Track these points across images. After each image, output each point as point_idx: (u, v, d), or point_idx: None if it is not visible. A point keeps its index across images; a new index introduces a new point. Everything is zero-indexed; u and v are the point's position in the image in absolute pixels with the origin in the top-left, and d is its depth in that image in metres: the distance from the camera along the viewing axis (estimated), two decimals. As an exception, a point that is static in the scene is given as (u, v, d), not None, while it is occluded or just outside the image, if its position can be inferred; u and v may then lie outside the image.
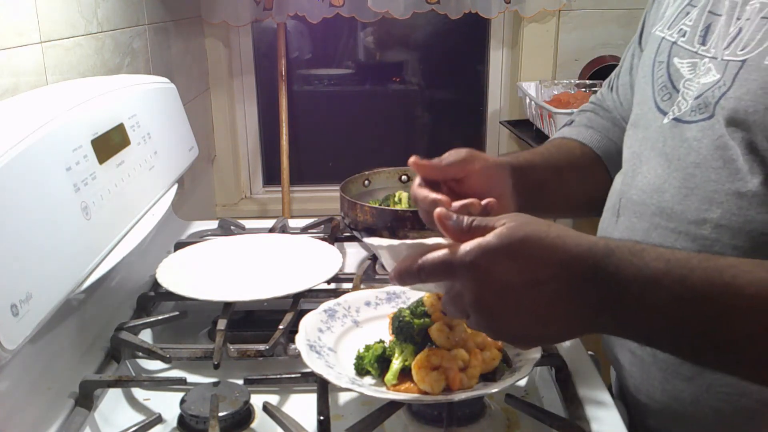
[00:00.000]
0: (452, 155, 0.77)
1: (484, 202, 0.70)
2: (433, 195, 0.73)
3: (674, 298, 0.53)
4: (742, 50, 0.66)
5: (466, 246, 0.55)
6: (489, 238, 0.55)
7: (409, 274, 0.59)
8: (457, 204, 0.71)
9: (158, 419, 0.72)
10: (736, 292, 0.52)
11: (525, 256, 0.54)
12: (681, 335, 0.55)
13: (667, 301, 0.53)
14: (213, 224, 1.28)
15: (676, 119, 0.71)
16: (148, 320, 0.91)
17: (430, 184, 0.75)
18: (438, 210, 0.59)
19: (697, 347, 0.55)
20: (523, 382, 0.79)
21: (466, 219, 0.58)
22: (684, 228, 0.68)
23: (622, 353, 0.78)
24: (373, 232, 1.08)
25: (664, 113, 0.73)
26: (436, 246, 0.58)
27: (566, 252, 0.55)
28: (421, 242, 0.58)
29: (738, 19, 0.68)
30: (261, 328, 0.87)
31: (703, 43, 0.71)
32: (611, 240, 0.57)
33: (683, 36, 0.74)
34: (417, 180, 0.76)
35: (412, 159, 0.75)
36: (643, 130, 0.77)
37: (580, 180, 0.91)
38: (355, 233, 1.14)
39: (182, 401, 0.72)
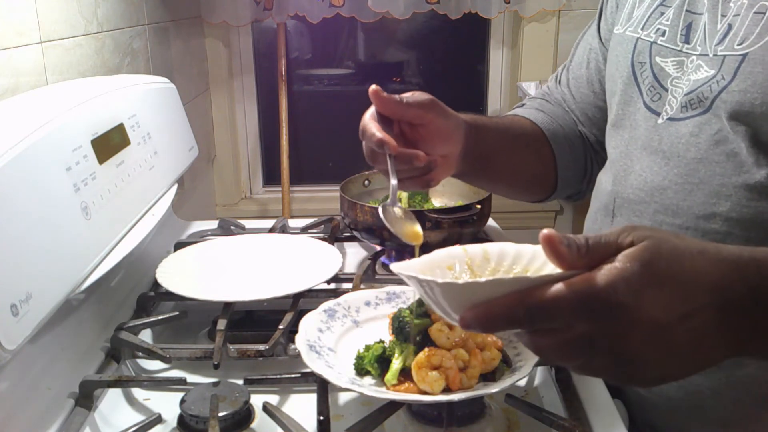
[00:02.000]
0: (415, 96, 0.75)
1: (430, 158, 0.70)
2: (382, 134, 0.70)
3: None
4: (740, 45, 0.66)
5: (602, 278, 0.43)
6: (626, 264, 0.44)
7: (508, 320, 0.45)
8: (403, 150, 0.69)
9: (158, 419, 0.72)
10: None
11: (674, 284, 0.44)
12: None
13: None
14: (213, 224, 1.28)
15: (670, 119, 0.72)
16: (148, 320, 0.91)
17: (384, 120, 0.72)
18: (546, 231, 0.45)
19: None
20: (523, 382, 0.79)
21: (580, 240, 0.45)
22: (692, 223, 0.68)
23: None
24: (372, 232, 1.08)
25: (657, 113, 0.74)
26: (546, 279, 0.45)
27: (716, 272, 0.46)
28: (523, 276, 0.46)
29: (723, 15, 0.69)
30: (261, 328, 0.87)
31: (687, 41, 0.72)
32: (752, 249, 0.49)
33: (662, 35, 0.75)
34: (370, 110, 0.73)
35: (373, 87, 0.72)
36: (630, 130, 0.78)
37: (527, 154, 0.91)
38: (355, 233, 1.14)
39: (182, 401, 0.72)
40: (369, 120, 0.72)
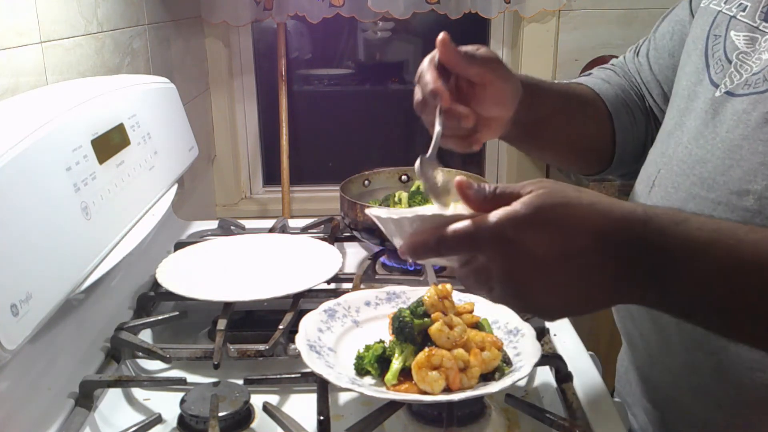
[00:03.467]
0: (481, 52, 0.73)
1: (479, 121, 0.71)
2: (438, 84, 0.69)
3: (722, 269, 0.51)
4: None
5: (492, 217, 0.51)
6: (516, 207, 0.51)
7: (425, 249, 0.55)
8: (454, 107, 0.69)
9: (158, 419, 0.72)
10: None
11: (555, 226, 0.51)
12: (726, 309, 0.52)
13: (714, 272, 0.51)
14: (213, 224, 1.28)
15: (728, 92, 0.70)
16: (148, 320, 0.91)
17: (442, 70, 0.71)
18: (458, 178, 0.54)
19: (741, 321, 0.53)
20: (523, 382, 0.79)
21: (488, 187, 0.54)
22: (725, 199, 0.66)
23: (640, 322, 0.77)
24: (372, 232, 1.08)
25: (716, 86, 0.72)
26: (456, 217, 0.53)
27: (600, 220, 0.52)
28: (438, 214, 0.55)
29: None
30: (261, 328, 0.87)
31: (766, 19, 0.70)
32: (649, 207, 0.54)
33: (743, 10, 0.73)
34: (431, 55, 0.72)
35: (443, 35, 0.70)
36: (687, 101, 0.76)
37: (584, 124, 0.89)
38: (355, 233, 1.14)
39: (182, 401, 0.72)
40: (428, 66, 0.71)
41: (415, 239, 0.55)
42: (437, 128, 0.69)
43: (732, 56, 0.72)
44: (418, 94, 0.73)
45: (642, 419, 0.83)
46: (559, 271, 0.52)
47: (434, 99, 0.70)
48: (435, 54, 0.71)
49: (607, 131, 0.89)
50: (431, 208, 0.59)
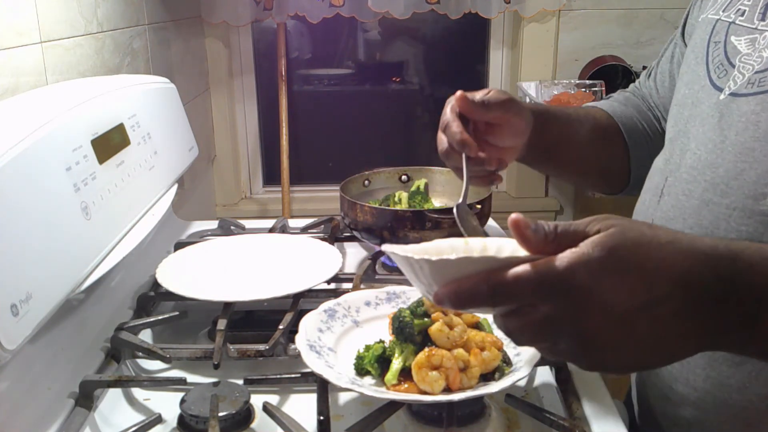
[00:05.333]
0: (496, 97, 0.77)
1: (499, 163, 0.73)
2: (465, 136, 0.72)
3: None
4: None
5: (561, 260, 0.45)
6: (588, 249, 0.45)
7: (473, 297, 0.47)
8: (481, 154, 0.72)
9: (158, 419, 0.72)
10: None
11: (635, 271, 0.45)
12: None
13: None
14: (213, 224, 1.28)
15: (732, 94, 0.69)
16: (148, 320, 0.91)
17: (461, 117, 0.75)
18: (513, 216, 0.47)
19: None
20: (523, 382, 0.79)
21: (548, 226, 0.47)
22: (740, 203, 0.65)
23: None
24: (372, 232, 1.08)
25: (720, 89, 0.71)
26: (513, 261, 0.46)
27: (683, 261, 0.46)
28: (490, 257, 0.48)
29: None
30: (261, 328, 0.87)
31: (763, 19, 0.70)
32: (731, 242, 0.49)
33: (741, 15, 0.73)
34: (451, 106, 0.75)
35: (460, 93, 0.75)
36: (691, 108, 0.75)
37: (597, 147, 0.90)
38: (355, 233, 1.14)
39: (182, 401, 0.72)
40: (452, 117, 0.74)
41: (460, 286, 0.47)
42: (465, 176, 0.73)
43: (735, 60, 0.71)
44: (443, 143, 0.76)
45: None
46: (640, 323, 0.45)
47: (462, 147, 0.74)
48: (453, 102, 0.75)
49: (622, 151, 0.91)
50: (450, 244, 0.54)
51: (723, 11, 0.76)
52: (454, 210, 0.75)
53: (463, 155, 0.75)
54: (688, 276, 0.46)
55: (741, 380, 0.67)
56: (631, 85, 1.01)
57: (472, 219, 0.76)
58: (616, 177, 0.94)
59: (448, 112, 0.76)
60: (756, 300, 0.46)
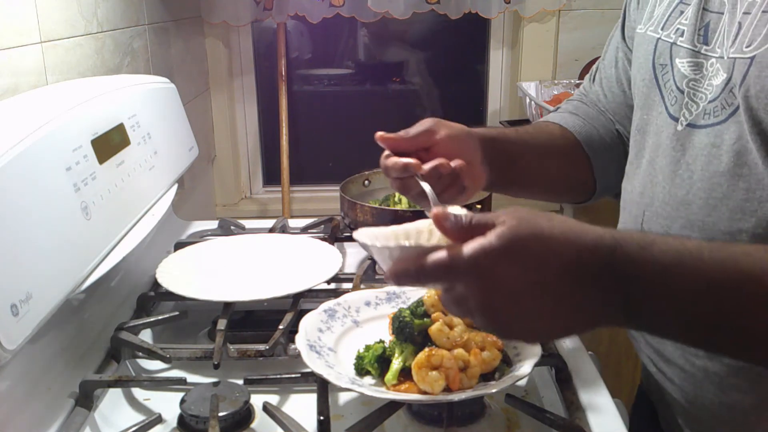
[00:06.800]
0: (418, 126, 0.78)
1: (453, 163, 0.72)
2: (403, 159, 0.74)
3: (687, 290, 0.52)
4: (748, 47, 0.63)
5: (467, 249, 0.53)
6: (490, 238, 0.52)
7: (406, 277, 0.57)
8: (427, 166, 0.72)
9: (158, 419, 0.72)
10: (756, 282, 0.51)
11: (528, 258, 0.52)
12: (694, 327, 0.54)
13: (679, 293, 0.52)
14: (213, 224, 1.28)
15: (690, 125, 0.69)
16: (148, 320, 0.91)
17: (399, 155, 0.76)
18: (435, 210, 0.56)
19: (711, 338, 0.54)
20: (523, 382, 0.79)
21: (464, 217, 0.55)
22: (720, 238, 0.65)
23: (670, 368, 0.75)
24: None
25: (676, 119, 0.71)
26: (435, 248, 0.55)
27: (571, 250, 0.53)
28: (418, 245, 0.56)
29: (745, 14, 0.65)
30: (261, 328, 0.87)
31: (706, 42, 0.69)
32: (618, 232, 0.55)
33: (681, 36, 0.72)
34: (385, 153, 0.77)
35: (379, 134, 0.76)
36: (654, 136, 0.75)
37: (557, 160, 0.90)
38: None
39: (182, 401, 0.72)
40: (385, 158, 0.77)
41: (397, 267, 0.57)
42: (428, 191, 0.72)
43: (682, 85, 0.71)
44: (394, 183, 0.78)
45: None
46: (534, 301, 0.53)
47: (408, 171, 0.74)
48: (386, 152, 0.77)
49: (583, 163, 0.91)
50: (416, 227, 0.61)
51: (662, 29, 0.75)
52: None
53: (416, 176, 0.74)
54: (576, 263, 0.53)
55: (754, 403, 0.68)
56: (577, 92, 1.00)
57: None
58: (581, 187, 0.94)
59: (383, 159, 0.77)
60: (634, 284, 0.52)
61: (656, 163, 0.74)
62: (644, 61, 0.77)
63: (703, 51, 0.69)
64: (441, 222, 0.56)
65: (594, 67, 0.97)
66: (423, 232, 0.61)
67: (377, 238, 0.60)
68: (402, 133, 0.77)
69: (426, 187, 0.72)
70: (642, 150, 0.78)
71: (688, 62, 0.71)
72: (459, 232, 0.55)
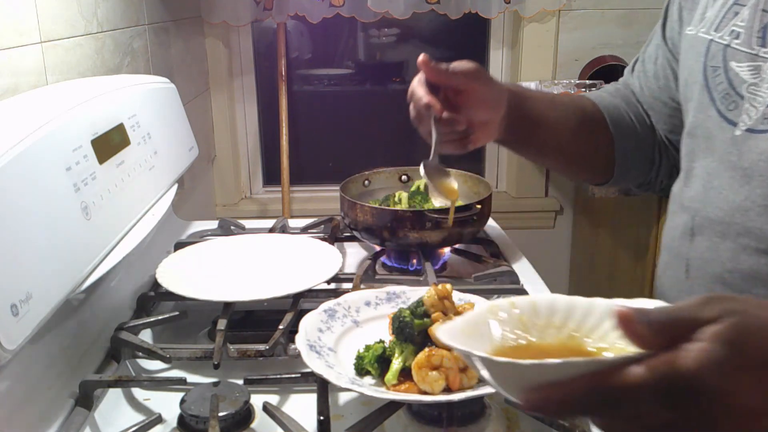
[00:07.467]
0: (461, 65, 0.79)
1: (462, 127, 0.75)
2: (429, 98, 0.75)
3: None
4: None
5: (686, 361, 0.39)
6: (710, 345, 0.39)
7: (579, 404, 0.41)
8: (446, 114, 0.75)
9: (158, 419, 0.72)
10: None
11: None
12: None
13: None
14: (213, 224, 1.28)
15: (749, 130, 0.67)
16: (148, 320, 0.91)
17: (431, 86, 0.77)
18: (620, 309, 0.42)
19: None
20: (523, 382, 0.79)
21: (659, 317, 0.41)
22: None
23: None
24: (372, 232, 1.08)
25: (733, 123, 0.69)
26: (620, 362, 0.40)
27: None
28: (592, 360, 0.42)
29: None
30: (261, 328, 0.87)
31: (764, 45, 0.67)
32: None
33: (737, 38, 0.70)
34: (419, 76, 0.78)
35: (422, 58, 0.77)
36: (706, 140, 0.73)
37: (581, 133, 0.90)
38: (355, 233, 1.14)
39: (182, 401, 0.72)
40: (417, 85, 0.77)
41: (564, 393, 0.40)
42: (434, 135, 0.74)
43: (741, 90, 0.68)
44: (412, 111, 0.79)
45: None
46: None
47: (428, 111, 0.76)
48: (421, 74, 0.78)
49: (606, 140, 0.90)
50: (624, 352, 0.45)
51: (715, 31, 0.73)
52: (421, 168, 0.79)
53: (432, 116, 0.77)
54: None
55: None
56: (621, 78, 1.00)
57: (442, 175, 0.81)
58: (600, 167, 0.93)
59: (415, 81, 0.79)
60: None
61: (709, 168, 0.72)
62: (695, 63, 0.75)
63: (761, 54, 0.67)
64: (634, 325, 0.41)
65: (634, 59, 0.96)
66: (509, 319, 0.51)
67: (472, 334, 0.46)
68: (443, 66, 0.78)
69: (434, 132, 0.75)
70: (693, 154, 0.76)
71: (747, 66, 0.68)
72: (654, 335, 0.41)
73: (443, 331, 0.48)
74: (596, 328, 0.50)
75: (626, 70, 0.98)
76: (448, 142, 0.80)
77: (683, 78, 0.80)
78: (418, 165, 1.29)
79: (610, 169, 0.92)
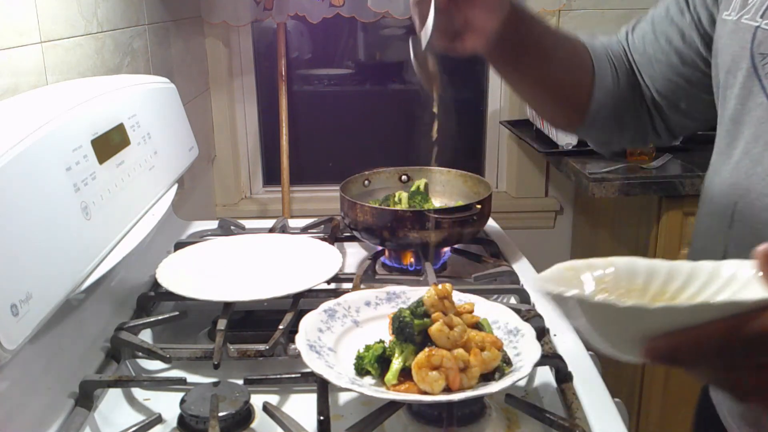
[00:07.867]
0: None
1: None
2: None
3: None
4: None
5: None
6: None
7: (717, 352, 0.38)
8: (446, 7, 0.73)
9: (158, 419, 0.72)
10: None
11: None
12: None
13: None
14: (213, 224, 1.28)
15: None
16: (148, 320, 0.91)
17: None
18: (764, 247, 0.39)
19: None
20: (523, 382, 0.79)
21: None
22: None
23: None
24: (372, 232, 1.08)
25: None
26: (761, 305, 0.37)
27: None
28: (729, 301, 0.38)
29: None
30: (261, 328, 0.87)
31: None
32: None
33: None
34: None
35: None
36: (753, 127, 0.72)
37: (566, 67, 0.90)
38: (355, 233, 1.14)
39: (182, 401, 0.72)
40: None
41: (699, 339, 0.37)
42: (432, 17, 0.73)
43: None
44: (412, 2, 0.77)
45: None
46: None
47: None
48: None
49: (586, 83, 0.89)
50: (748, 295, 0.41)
51: (761, 17, 0.72)
52: (410, 42, 0.78)
53: (432, 7, 0.75)
54: None
55: None
56: (614, 37, 0.98)
57: (427, 58, 0.82)
58: (573, 107, 0.92)
59: None
60: None
61: (753, 155, 0.71)
62: (740, 50, 0.74)
63: None
64: None
65: (636, 20, 0.95)
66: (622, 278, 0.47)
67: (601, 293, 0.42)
68: None
69: (432, 14, 0.73)
70: (736, 140, 0.75)
71: None
72: None
73: (539, 278, 0.45)
74: (718, 294, 0.45)
75: (622, 31, 0.97)
76: (440, 37, 0.78)
77: (723, 62, 0.78)
78: (418, 165, 1.29)
79: (581, 114, 0.91)
